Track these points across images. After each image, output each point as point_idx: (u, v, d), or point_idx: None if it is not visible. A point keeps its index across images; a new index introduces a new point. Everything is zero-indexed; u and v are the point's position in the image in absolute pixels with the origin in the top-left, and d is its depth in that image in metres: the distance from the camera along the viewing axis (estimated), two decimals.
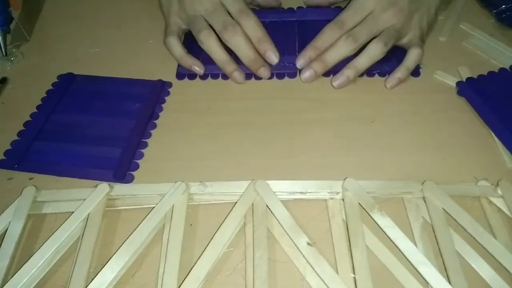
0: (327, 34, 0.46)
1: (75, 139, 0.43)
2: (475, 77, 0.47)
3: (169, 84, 0.48)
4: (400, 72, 0.46)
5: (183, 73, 0.49)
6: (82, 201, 0.36)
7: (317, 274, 0.33)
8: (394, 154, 0.41)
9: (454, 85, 0.47)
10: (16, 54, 0.51)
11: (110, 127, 0.44)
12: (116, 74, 0.49)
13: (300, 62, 0.47)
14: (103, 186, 0.37)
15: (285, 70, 0.48)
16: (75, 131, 0.43)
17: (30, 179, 0.40)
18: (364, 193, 0.37)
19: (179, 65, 0.49)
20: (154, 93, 0.47)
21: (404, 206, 0.37)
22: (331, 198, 0.38)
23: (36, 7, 0.58)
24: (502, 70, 0.48)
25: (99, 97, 0.47)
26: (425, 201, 0.37)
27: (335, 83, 0.46)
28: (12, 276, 0.33)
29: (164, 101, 0.47)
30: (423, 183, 0.37)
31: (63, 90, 0.47)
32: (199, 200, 0.38)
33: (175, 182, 0.37)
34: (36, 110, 0.45)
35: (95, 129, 0.44)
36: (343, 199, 0.37)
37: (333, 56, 0.46)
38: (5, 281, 0.33)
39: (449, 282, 0.32)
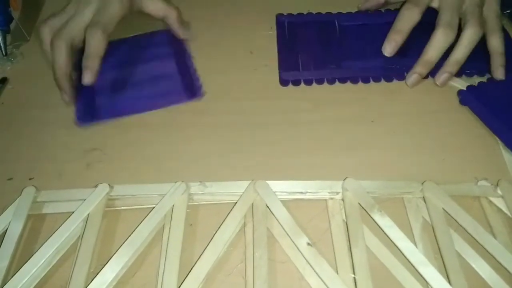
0: (406, 14, 0.45)
1: (133, 85, 0.46)
2: (475, 84, 0.46)
3: None
4: (499, 59, 0.45)
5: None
6: (82, 201, 0.36)
7: (317, 274, 0.33)
8: (394, 154, 0.41)
9: (455, 84, 0.47)
10: (16, 54, 0.51)
11: (157, 68, 0.48)
12: None
13: (387, 49, 0.46)
14: (103, 186, 0.37)
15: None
16: (129, 80, 0.47)
17: (30, 179, 0.40)
18: (364, 193, 0.37)
19: None
20: (173, 36, 0.51)
21: (404, 206, 0.37)
22: (331, 198, 0.38)
23: (36, 7, 0.58)
24: None
25: (131, 52, 0.50)
26: (425, 201, 0.37)
27: (438, 82, 0.45)
28: (12, 276, 0.33)
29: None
30: (423, 183, 0.37)
31: None
32: (199, 200, 0.38)
33: (175, 182, 0.37)
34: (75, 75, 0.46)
35: (145, 74, 0.47)
36: (343, 199, 0.37)
37: (436, 53, 0.44)
38: (5, 281, 0.33)
39: (449, 282, 0.32)
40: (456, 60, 0.44)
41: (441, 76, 0.45)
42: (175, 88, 0.46)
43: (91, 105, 0.45)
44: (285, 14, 0.54)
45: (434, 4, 0.47)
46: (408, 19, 0.45)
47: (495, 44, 0.45)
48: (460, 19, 0.45)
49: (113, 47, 0.47)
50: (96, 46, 0.43)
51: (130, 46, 0.51)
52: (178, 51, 0.50)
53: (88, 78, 0.42)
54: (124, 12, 0.46)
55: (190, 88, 0.46)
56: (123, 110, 0.45)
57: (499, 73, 0.45)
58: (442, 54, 0.44)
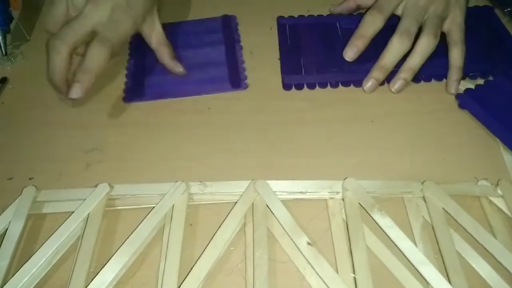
0: (369, 20, 0.46)
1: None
2: (473, 87, 0.46)
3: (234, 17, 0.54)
4: (455, 74, 0.45)
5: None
6: (82, 201, 0.36)
7: (317, 274, 0.33)
8: (394, 154, 0.41)
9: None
10: (16, 54, 0.51)
11: (207, 55, 0.49)
12: (117, 72, 0.49)
13: (348, 54, 0.46)
14: (103, 186, 0.37)
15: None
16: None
17: (30, 179, 0.40)
18: (364, 193, 0.37)
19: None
20: (225, 25, 0.53)
21: (404, 206, 0.37)
22: (331, 198, 0.38)
23: (36, 7, 0.58)
24: (497, 77, 0.46)
25: (182, 38, 0.51)
26: (425, 201, 0.37)
27: (393, 89, 0.45)
28: (12, 276, 0.33)
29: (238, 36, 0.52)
30: (423, 182, 0.37)
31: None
32: (199, 200, 0.38)
33: (175, 181, 0.37)
34: (129, 57, 0.50)
35: (195, 59, 0.49)
36: (343, 199, 0.37)
37: (391, 59, 0.45)
38: (5, 281, 0.33)
39: (449, 282, 0.32)
40: (409, 67, 0.45)
41: (396, 83, 0.45)
42: (221, 76, 0.48)
43: (140, 84, 0.47)
44: (286, 16, 0.54)
45: (398, 12, 0.47)
46: (371, 25, 0.46)
47: (455, 57, 0.45)
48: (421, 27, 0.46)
49: (169, 30, 0.48)
50: (98, 64, 0.40)
51: (184, 31, 0.52)
52: (230, 40, 0.51)
53: (77, 92, 0.39)
54: (133, 31, 0.44)
55: (236, 78, 0.48)
56: (169, 92, 0.46)
57: (452, 88, 0.45)
58: (399, 60, 0.45)
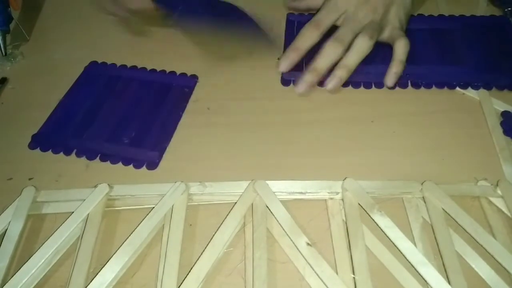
0: (306, 34, 0.45)
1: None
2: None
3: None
4: (395, 66, 0.45)
5: None
6: (81, 201, 0.36)
7: (317, 275, 0.33)
8: (393, 154, 0.41)
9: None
10: (16, 54, 0.51)
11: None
12: None
13: (282, 65, 0.45)
14: (103, 186, 0.37)
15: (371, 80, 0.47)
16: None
17: (30, 179, 0.40)
18: (364, 193, 0.37)
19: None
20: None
21: (403, 206, 0.37)
22: (331, 198, 0.38)
23: (36, 7, 0.58)
24: None
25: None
26: (424, 201, 0.37)
27: (328, 87, 0.44)
28: (12, 276, 0.33)
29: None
30: (422, 183, 0.37)
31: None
32: (199, 201, 0.38)
33: (175, 182, 0.37)
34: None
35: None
36: (342, 199, 0.37)
37: (323, 63, 0.44)
38: (5, 281, 0.33)
39: (449, 282, 0.32)
40: (344, 64, 0.44)
41: (332, 80, 0.43)
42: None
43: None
44: (295, 13, 0.54)
45: (338, 23, 0.47)
46: (307, 39, 0.45)
47: (398, 50, 0.45)
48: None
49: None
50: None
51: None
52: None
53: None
54: None
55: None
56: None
57: (389, 80, 0.44)
58: (331, 64, 0.44)
